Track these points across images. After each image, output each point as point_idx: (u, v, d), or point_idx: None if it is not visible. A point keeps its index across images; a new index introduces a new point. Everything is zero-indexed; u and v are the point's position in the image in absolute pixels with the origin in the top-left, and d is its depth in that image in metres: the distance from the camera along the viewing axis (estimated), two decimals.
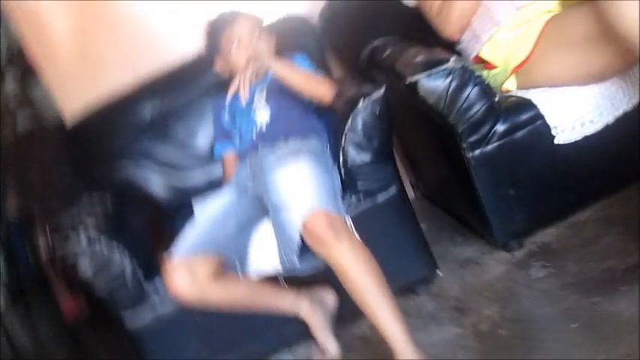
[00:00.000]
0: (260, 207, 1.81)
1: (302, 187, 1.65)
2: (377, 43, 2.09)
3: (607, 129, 1.78)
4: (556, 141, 1.78)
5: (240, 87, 1.84)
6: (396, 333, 1.50)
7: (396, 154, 1.98)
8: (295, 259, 1.61)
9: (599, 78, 1.74)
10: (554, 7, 1.86)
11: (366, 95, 1.78)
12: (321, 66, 2.23)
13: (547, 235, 1.91)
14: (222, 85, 2.03)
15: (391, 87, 1.86)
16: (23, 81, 2.67)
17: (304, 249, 1.59)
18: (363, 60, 2.12)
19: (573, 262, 1.74)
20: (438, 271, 1.94)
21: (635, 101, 1.78)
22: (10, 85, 2.68)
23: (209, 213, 1.85)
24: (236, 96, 1.87)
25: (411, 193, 2.48)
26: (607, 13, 1.54)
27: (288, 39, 2.22)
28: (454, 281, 1.93)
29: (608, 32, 1.58)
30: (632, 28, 1.49)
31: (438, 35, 2.03)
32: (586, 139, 1.78)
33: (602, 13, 1.56)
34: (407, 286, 1.92)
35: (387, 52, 1.99)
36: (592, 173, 1.86)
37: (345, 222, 1.60)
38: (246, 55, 1.93)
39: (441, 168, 2.16)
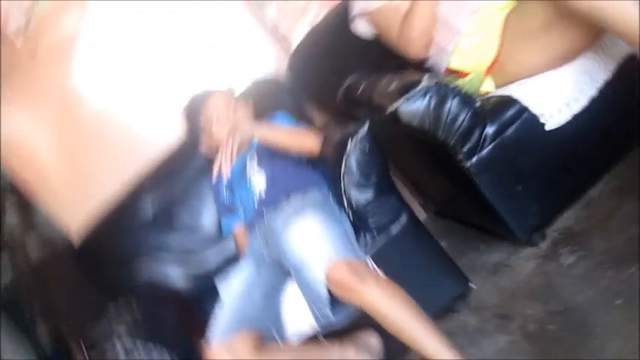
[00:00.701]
0: (281, 271, 1.81)
1: (316, 241, 1.65)
2: (349, 81, 2.12)
3: (593, 102, 1.78)
4: (547, 127, 1.78)
5: (222, 163, 1.85)
6: (444, 356, 1.49)
7: (397, 182, 1.99)
8: (329, 312, 1.61)
9: (570, 57, 1.75)
10: (507, 3, 1.88)
11: (352, 135, 1.80)
12: (302, 118, 2.25)
13: (566, 219, 1.90)
14: (213, 163, 2.06)
15: (374, 120, 1.89)
16: (22, 211, 2.69)
17: (334, 300, 1.59)
18: (340, 101, 2.14)
19: (599, 239, 1.73)
20: (471, 284, 1.92)
21: (612, 68, 1.79)
22: (12, 219, 2.70)
23: (234, 290, 1.86)
24: (232, 171, 1.89)
25: (422, 215, 2.48)
26: None
27: (264, 101, 2.26)
28: (490, 289, 1.92)
29: (564, 13, 1.60)
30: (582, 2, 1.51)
31: (405, 58, 2.06)
32: (576, 117, 1.79)
33: None
34: (445, 307, 1.91)
35: (362, 88, 2.02)
36: (592, 148, 1.86)
37: (367, 263, 1.60)
38: (227, 129, 1.95)
39: (445, 183, 2.17)
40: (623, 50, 1.78)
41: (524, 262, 1.89)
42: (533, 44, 1.75)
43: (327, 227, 1.69)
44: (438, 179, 2.24)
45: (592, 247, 1.73)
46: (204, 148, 2.10)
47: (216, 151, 2.04)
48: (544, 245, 1.88)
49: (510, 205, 1.84)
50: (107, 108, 2.48)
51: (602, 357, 1.40)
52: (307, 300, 1.66)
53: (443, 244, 1.99)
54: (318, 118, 2.41)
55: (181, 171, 2.37)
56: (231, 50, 2.58)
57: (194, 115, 2.05)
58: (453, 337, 1.54)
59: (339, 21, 2.29)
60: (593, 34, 1.69)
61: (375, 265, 1.63)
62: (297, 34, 2.51)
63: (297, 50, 2.46)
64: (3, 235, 2.63)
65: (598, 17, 1.53)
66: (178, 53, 2.53)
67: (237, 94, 2.13)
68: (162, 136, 2.42)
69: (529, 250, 1.91)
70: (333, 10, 2.46)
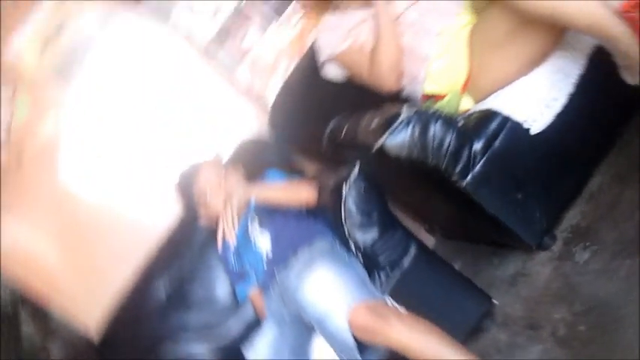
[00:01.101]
0: (304, 326, 1.80)
1: (332, 291, 1.65)
2: (331, 126, 2.14)
3: (572, 98, 1.80)
4: (533, 132, 1.79)
5: (225, 231, 1.85)
6: None
7: (399, 213, 1.99)
8: (359, 357, 1.60)
9: (540, 60, 1.78)
10: (468, 20, 1.91)
11: (345, 179, 1.81)
12: (293, 171, 2.27)
13: (572, 217, 1.90)
14: (215, 233, 2.06)
15: (363, 159, 1.90)
16: (39, 319, 2.68)
17: (362, 344, 1.58)
18: (326, 147, 2.16)
19: (608, 230, 1.73)
20: (493, 301, 1.91)
21: (583, 61, 1.81)
22: (30, 328, 2.69)
23: (261, 355, 1.85)
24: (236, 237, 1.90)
25: (430, 241, 2.47)
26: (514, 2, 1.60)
27: (253, 162, 2.28)
28: (513, 301, 1.90)
29: (526, 19, 1.63)
30: (537, 4, 1.55)
31: (381, 93, 2.09)
32: (559, 116, 1.80)
33: (510, 4, 1.62)
34: (472, 328, 1.89)
35: (345, 131, 2.03)
36: (581, 142, 1.87)
37: (386, 302, 1.60)
38: (222, 198, 1.96)
39: (446, 205, 2.16)
40: (589, 42, 1.80)
41: (541, 267, 1.88)
42: (502, 55, 1.78)
43: (339, 275, 1.69)
44: (438, 203, 2.23)
45: (603, 239, 1.73)
46: (203, 221, 2.11)
47: (217, 222, 2.05)
48: (556, 247, 1.87)
49: (515, 215, 1.84)
50: (101, 200, 2.51)
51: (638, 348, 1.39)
52: (336, 350, 1.66)
53: (456, 265, 1.99)
54: (309, 167, 2.42)
55: (186, 248, 2.37)
56: (211, 118, 2.61)
57: (187, 190, 2.06)
58: (486, 356, 1.53)
59: (310, 70, 2.33)
60: (557, 33, 1.72)
61: (394, 302, 1.62)
62: (272, 91, 2.55)
63: (274, 106, 2.49)
64: (23, 347, 2.61)
65: (559, 18, 1.56)
66: (160, 132, 2.56)
67: (224, 160, 2.14)
68: (160, 216, 2.43)
69: (543, 255, 1.90)
70: (302, 61, 2.50)
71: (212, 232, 2.14)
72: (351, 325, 1.55)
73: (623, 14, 1.39)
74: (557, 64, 1.79)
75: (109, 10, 2.58)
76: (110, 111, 2.58)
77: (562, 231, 1.89)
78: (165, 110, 2.60)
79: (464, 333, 1.85)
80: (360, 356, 1.60)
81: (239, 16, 2.57)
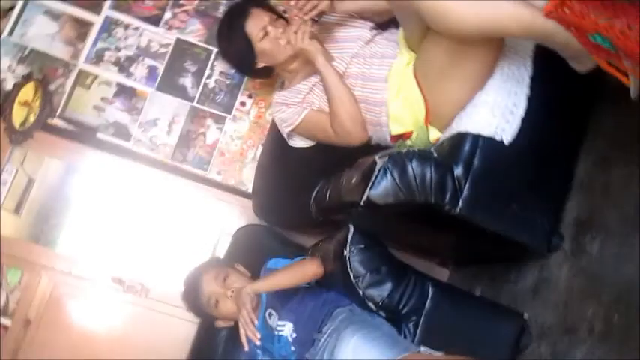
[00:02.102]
0: None
1: (367, 356, 1.63)
2: (314, 195, 2.14)
3: (532, 99, 1.81)
4: (506, 142, 1.80)
5: (247, 332, 1.82)
6: None
7: (407, 257, 1.98)
8: None
9: (488, 73, 1.80)
10: (409, 57, 1.95)
11: (344, 243, 1.80)
12: (291, 249, 2.25)
13: (571, 211, 1.89)
14: (236, 332, 2.03)
15: (355, 216, 1.90)
16: None
17: None
18: (316, 215, 2.16)
19: (610, 214, 1.73)
20: (524, 315, 1.88)
21: (529, 62, 1.84)
22: None
23: None
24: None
25: (445, 273, 2.46)
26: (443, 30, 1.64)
27: (250, 252, 2.27)
28: (542, 311, 1.88)
29: (460, 41, 1.66)
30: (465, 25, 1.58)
31: (352, 148, 2.11)
32: (525, 119, 1.81)
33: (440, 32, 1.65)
34: (513, 351, 1.86)
35: (328, 195, 2.03)
36: (555, 136, 1.88)
37: (421, 352, 1.57)
38: (232, 302, 1.93)
39: (449, 235, 2.16)
40: (529, 43, 1.84)
41: (558, 269, 1.86)
42: (451, 79, 1.80)
43: (370, 339, 1.68)
44: (441, 235, 2.23)
45: (608, 224, 1.72)
46: (219, 324, 2.08)
47: (233, 319, 2.01)
48: (566, 245, 1.86)
49: (516, 226, 1.83)
50: (118, 335, 2.52)
51: None
52: None
53: (477, 291, 1.97)
54: (308, 240, 2.41)
55: (211, 353, 2.34)
56: (198, 221, 2.63)
57: (195, 302, 2.02)
58: None
59: (278, 146, 2.35)
60: (496, 43, 1.75)
61: (429, 349, 1.60)
62: (248, 178, 2.56)
63: (254, 192, 2.50)
64: None
65: (490, 32, 1.59)
66: (154, 249, 2.58)
67: (221, 260, 2.14)
68: (178, 332, 2.42)
69: (556, 256, 1.88)
70: (267, 141, 2.53)
71: (231, 329, 2.11)
72: None
73: (549, 16, 1.42)
74: (507, 72, 1.82)
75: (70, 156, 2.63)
76: (101, 246, 2.61)
77: (566, 227, 1.89)
78: (152, 229, 2.62)
79: (507, 357, 1.82)
80: None
81: (194, 120, 2.60)
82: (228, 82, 2.65)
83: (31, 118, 2.51)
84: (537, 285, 1.94)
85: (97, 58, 2.63)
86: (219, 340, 2.30)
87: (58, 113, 2.56)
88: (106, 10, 2.66)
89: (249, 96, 2.65)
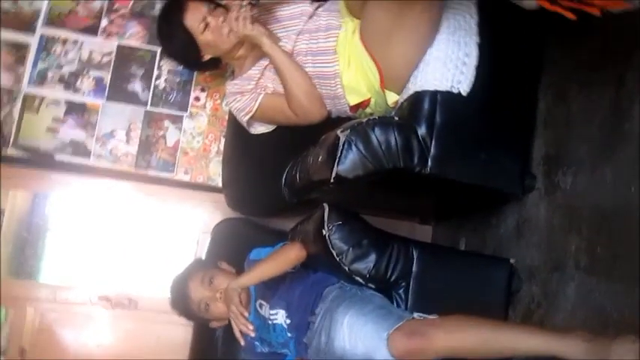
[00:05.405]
0: None
1: (363, 333, 1.63)
2: (284, 178, 2.13)
3: (483, 46, 1.80)
4: (464, 93, 1.79)
5: (240, 326, 1.81)
6: (542, 342, 1.45)
7: (387, 223, 1.97)
8: None
9: (435, 28, 1.78)
10: (354, 24, 1.92)
11: (322, 222, 1.79)
12: (274, 236, 2.23)
13: (539, 149, 1.89)
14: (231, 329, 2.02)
15: (328, 193, 1.89)
16: None
17: None
18: (290, 198, 2.14)
19: (576, 145, 1.72)
20: (510, 261, 1.89)
21: (473, 10, 1.83)
22: None
23: None
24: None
25: (428, 232, 2.46)
26: None
27: (230, 247, 2.26)
28: (527, 253, 1.88)
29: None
30: None
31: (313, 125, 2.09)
32: (479, 67, 1.79)
33: None
34: (506, 297, 1.86)
35: (298, 176, 2.02)
36: (513, 78, 1.88)
37: (416, 319, 1.57)
38: (221, 302, 1.92)
39: (424, 195, 2.16)
40: None
41: (536, 209, 1.86)
42: (398, 40, 1.78)
43: (363, 313, 1.67)
44: (416, 196, 2.23)
45: (576, 156, 1.72)
46: (214, 325, 2.06)
47: (227, 319, 2.00)
48: (539, 184, 1.86)
49: (488, 174, 1.83)
50: (117, 351, 2.51)
51: None
52: None
53: (461, 243, 1.97)
54: (286, 224, 2.39)
55: (212, 351, 2.33)
56: (174, 225, 2.61)
57: (186, 307, 2.00)
58: (531, 315, 1.50)
59: (240, 135, 2.32)
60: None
61: (423, 314, 1.60)
62: (216, 173, 2.53)
63: (224, 185, 2.47)
64: None
65: None
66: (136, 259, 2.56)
67: (203, 261, 2.13)
68: (175, 337, 2.42)
69: (532, 197, 1.89)
70: (228, 132, 2.49)
71: (228, 328, 2.10)
72: (394, 354, 1.53)
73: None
74: (453, 23, 1.80)
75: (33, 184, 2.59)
76: (82, 267, 2.59)
77: (537, 166, 1.89)
78: (130, 241, 2.60)
79: (501, 304, 1.83)
80: None
81: (151, 124, 2.56)
82: (178, 79, 2.60)
83: None
84: (519, 227, 1.94)
85: (40, 79, 2.54)
86: (217, 337, 2.30)
87: (11, 143, 2.49)
88: (40, 29, 2.57)
89: (202, 90, 2.60)
